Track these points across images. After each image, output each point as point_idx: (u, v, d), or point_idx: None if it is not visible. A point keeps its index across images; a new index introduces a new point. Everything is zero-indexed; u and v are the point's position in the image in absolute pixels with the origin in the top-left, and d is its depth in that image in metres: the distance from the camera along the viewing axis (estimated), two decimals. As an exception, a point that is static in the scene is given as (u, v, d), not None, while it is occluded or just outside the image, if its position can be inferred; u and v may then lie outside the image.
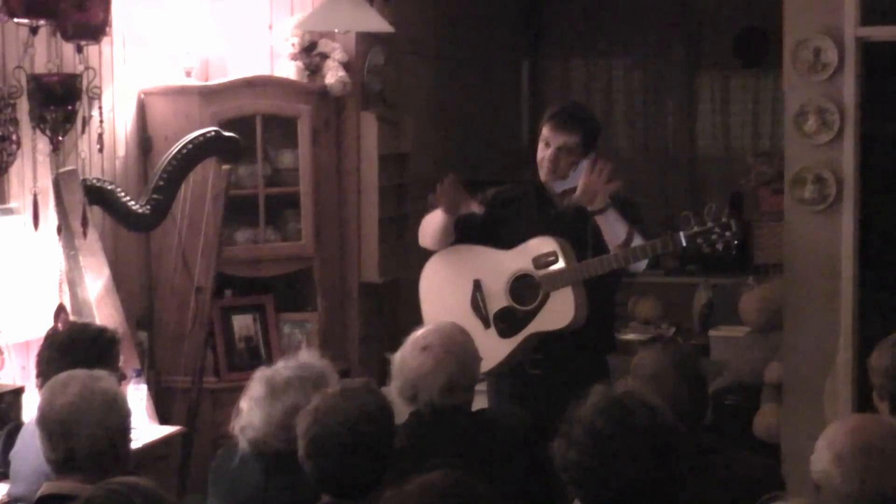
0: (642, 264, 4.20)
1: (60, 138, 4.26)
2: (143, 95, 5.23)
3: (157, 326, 5.21)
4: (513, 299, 4.24)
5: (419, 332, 3.44)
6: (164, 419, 4.77)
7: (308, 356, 3.32)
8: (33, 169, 4.45)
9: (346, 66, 5.57)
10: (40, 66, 4.33)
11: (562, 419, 2.54)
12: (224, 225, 5.08)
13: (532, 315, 4.20)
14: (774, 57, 6.26)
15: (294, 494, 3.11)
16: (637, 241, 4.12)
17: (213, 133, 4.84)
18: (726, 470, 3.09)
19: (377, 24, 5.26)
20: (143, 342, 5.07)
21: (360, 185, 5.71)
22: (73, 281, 4.53)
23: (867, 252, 5.29)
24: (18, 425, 3.87)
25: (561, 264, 4.15)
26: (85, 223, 4.45)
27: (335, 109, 5.65)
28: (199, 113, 5.15)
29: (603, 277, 4.15)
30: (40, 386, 3.48)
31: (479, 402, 3.81)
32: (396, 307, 6.01)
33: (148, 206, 4.65)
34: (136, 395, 4.35)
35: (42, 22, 4.16)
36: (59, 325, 4.27)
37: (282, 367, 3.24)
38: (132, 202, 4.63)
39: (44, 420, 2.95)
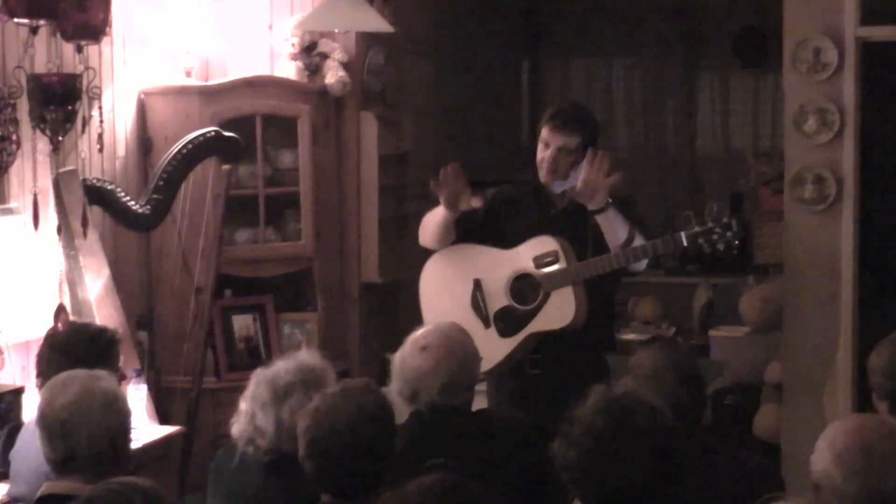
0: (643, 264, 4.20)
1: (60, 138, 4.26)
2: (143, 95, 5.23)
3: (157, 326, 5.21)
4: (513, 299, 4.24)
5: (419, 332, 3.45)
6: (164, 419, 4.77)
7: (306, 356, 3.32)
8: (33, 169, 4.45)
9: (346, 66, 5.57)
10: (40, 66, 4.33)
11: (562, 419, 2.54)
12: (224, 225, 5.08)
13: (532, 315, 4.20)
14: (774, 57, 6.27)
15: (294, 495, 3.11)
16: (638, 241, 4.12)
17: (213, 133, 4.84)
18: (726, 470, 3.09)
19: (377, 24, 5.26)
20: (143, 342, 5.06)
21: (360, 185, 5.71)
22: (73, 281, 4.53)
23: (867, 252, 5.29)
24: (18, 425, 3.87)
25: (561, 264, 4.15)
26: (85, 223, 4.45)
27: (335, 109, 5.65)
28: (199, 113, 5.15)
29: (603, 277, 4.15)
30: (40, 386, 3.48)
31: (479, 402, 3.81)
32: (396, 307, 6.01)
33: (148, 206, 4.65)
34: (136, 395, 4.35)
35: (42, 22, 4.16)
36: (59, 325, 4.27)
37: (283, 371, 3.24)
38: (132, 202, 4.64)
39: (44, 420, 2.95)
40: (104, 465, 2.87)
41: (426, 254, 4.45)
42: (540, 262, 4.19)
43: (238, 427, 3.27)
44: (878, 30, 5.16)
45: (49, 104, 4.20)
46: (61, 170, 4.49)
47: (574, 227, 4.20)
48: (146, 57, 5.22)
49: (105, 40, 4.51)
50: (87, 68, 4.38)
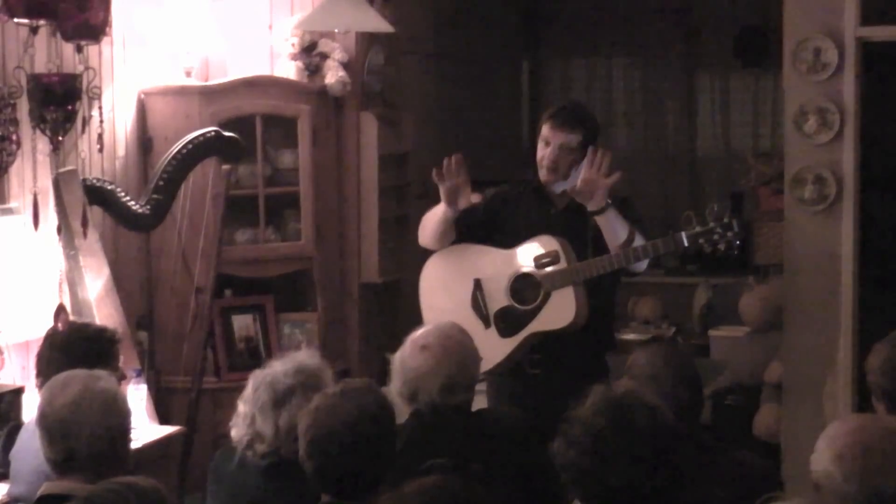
0: (643, 264, 4.20)
1: (60, 138, 4.27)
2: (143, 95, 5.23)
3: (157, 326, 5.21)
4: (513, 299, 4.24)
5: (419, 332, 3.45)
6: (164, 419, 4.76)
7: (304, 357, 3.32)
8: (33, 169, 4.45)
9: (346, 66, 5.57)
10: (40, 66, 4.33)
11: (562, 419, 2.54)
12: (224, 225, 5.08)
13: (533, 315, 4.20)
14: (774, 57, 6.27)
15: (293, 495, 3.11)
16: (638, 241, 4.12)
17: (213, 133, 4.84)
18: (724, 470, 3.09)
19: (377, 24, 5.26)
20: (143, 342, 5.06)
21: (360, 185, 5.71)
22: (73, 281, 4.53)
23: (867, 252, 5.29)
24: (18, 425, 3.87)
25: (562, 264, 4.15)
26: (85, 223, 4.45)
27: (335, 109, 5.65)
28: (199, 113, 5.15)
29: (603, 277, 4.15)
30: (40, 386, 3.48)
31: (479, 402, 3.81)
32: (396, 307, 6.01)
33: (148, 206, 4.65)
34: (136, 395, 4.35)
35: (42, 22, 4.16)
36: (59, 325, 4.26)
37: (282, 374, 3.24)
38: (132, 202, 4.64)
39: (44, 420, 2.95)
40: (104, 465, 2.87)
41: (426, 254, 4.45)
42: (540, 261, 4.19)
43: (237, 431, 3.27)
44: (878, 30, 5.16)
45: (49, 104, 4.21)
46: (61, 170, 4.49)
47: (574, 226, 4.20)
48: (146, 57, 5.22)
49: (105, 40, 4.51)
50: (87, 68, 4.38)
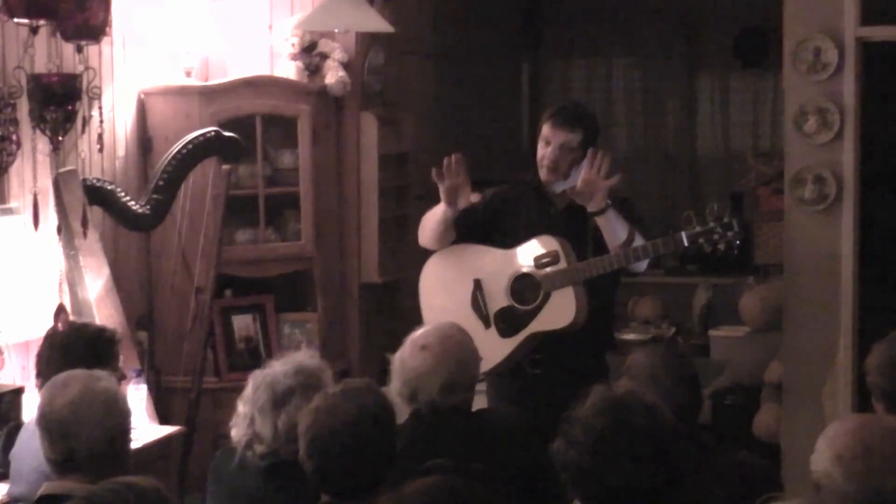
0: (643, 264, 4.20)
1: (60, 138, 4.27)
2: (143, 95, 5.23)
3: (157, 326, 5.21)
4: (513, 299, 4.24)
5: (418, 332, 3.45)
6: (164, 419, 4.76)
7: (304, 357, 3.32)
8: (33, 169, 4.45)
9: (346, 66, 5.57)
10: (40, 66, 4.33)
11: (562, 419, 2.54)
12: (224, 225, 5.08)
13: (533, 315, 4.20)
14: (774, 57, 6.28)
15: (293, 496, 3.11)
16: (638, 242, 4.12)
17: (213, 133, 4.84)
18: (723, 470, 3.09)
19: (377, 24, 5.26)
20: (143, 342, 5.06)
21: (360, 185, 5.71)
22: (73, 281, 4.53)
23: (867, 252, 5.29)
24: (18, 425, 3.87)
25: (562, 264, 4.15)
26: (85, 223, 4.45)
27: (335, 109, 5.65)
28: (199, 113, 5.15)
29: (603, 277, 4.15)
30: (40, 386, 3.48)
31: (479, 402, 3.81)
32: (396, 307, 6.01)
33: (148, 206, 4.65)
34: (136, 395, 4.35)
35: (42, 22, 4.16)
36: (59, 325, 4.27)
37: (282, 375, 3.23)
38: (132, 202, 4.64)
39: (44, 420, 2.95)
40: (104, 465, 2.87)
41: (426, 254, 4.45)
42: (540, 262, 4.19)
43: (237, 431, 3.27)
44: (878, 30, 5.16)
45: (49, 104, 4.21)
46: (61, 170, 4.49)
47: (574, 226, 4.20)
48: (146, 57, 5.22)
49: (105, 40, 4.51)
50: (87, 68, 4.38)
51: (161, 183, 4.68)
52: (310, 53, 5.56)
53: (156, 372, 5.09)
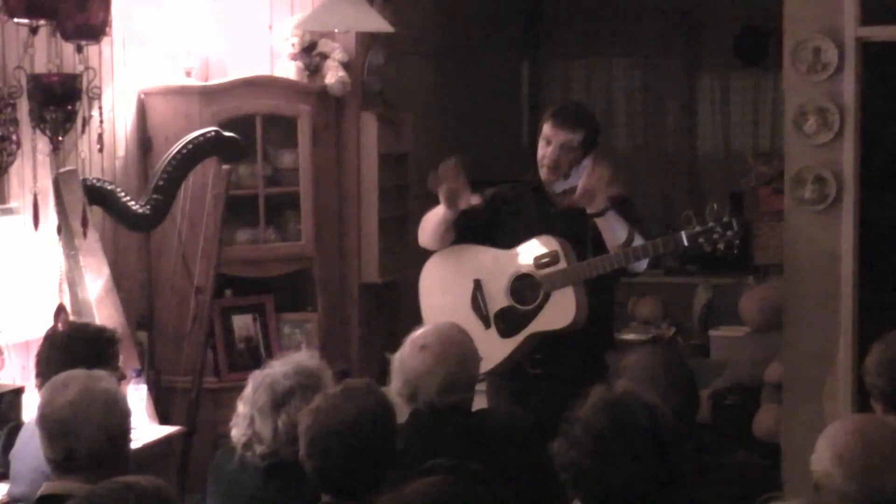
0: (643, 264, 4.20)
1: (60, 138, 4.27)
2: (143, 95, 5.23)
3: (157, 326, 5.21)
4: (513, 299, 4.24)
5: (418, 332, 3.45)
6: (164, 419, 4.76)
7: (303, 357, 3.32)
8: (33, 169, 4.45)
9: (346, 66, 5.57)
10: (40, 66, 4.33)
11: (562, 419, 2.54)
12: (224, 225, 5.08)
13: (533, 315, 4.20)
14: (774, 57, 6.28)
15: (293, 496, 3.11)
16: (638, 242, 4.12)
17: (213, 133, 4.84)
18: (722, 470, 3.09)
19: (377, 24, 5.26)
20: (143, 342, 5.06)
21: (360, 185, 5.71)
22: (73, 281, 4.53)
23: (867, 252, 5.29)
24: (18, 425, 3.87)
25: (562, 264, 4.15)
26: (85, 223, 4.45)
27: (335, 109, 5.65)
28: (199, 113, 5.15)
29: (603, 277, 4.15)
30: (40, 386, 3.48)
31: (479, 402, 3.81)
32: (396, 307, 6.01)
33: (148, 206, 4.65)
34: (136, 395, 4.35)
35: (42, 22, 4.17)
36: (59, 325, 4.27)
37: (281, 376, 3.23)
38: (132, 202, 4.64)
39: (44, 420, 2.95)
40: (104, 465, 2.87)
41: (426, 254, 4.45)
42: (541, 262, 4.19)
43: (237, 431, 3.28)
44: (878, 30, 5.16)
45: (49, 104, 4.21)
46: (61, 170, 4.49)
47: (574, 226, 4.20)
48: (146, 57, 5.22)
49: (105, 40, 4.51)
50: (87, 68, 4.38)
51: (161, 183, 4.68)
52: (310, 53, 5.56)
53: (156, 372, 5.09)
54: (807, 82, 5.17)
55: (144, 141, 5.22)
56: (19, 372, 4.28)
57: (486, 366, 3.95)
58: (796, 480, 4.45)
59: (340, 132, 5.68)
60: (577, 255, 4.17)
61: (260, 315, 5.43)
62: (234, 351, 5.35)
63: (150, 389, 4.67)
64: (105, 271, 4.65)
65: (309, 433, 2.86)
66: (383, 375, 4.03)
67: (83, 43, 4.32)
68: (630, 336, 6.40)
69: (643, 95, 9.06)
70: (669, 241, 4.09)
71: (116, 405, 2.97)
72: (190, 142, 4.77)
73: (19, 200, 4.37)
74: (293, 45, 5.52)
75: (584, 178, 4.10)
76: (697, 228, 4.06)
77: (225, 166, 4.96)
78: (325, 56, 5.56)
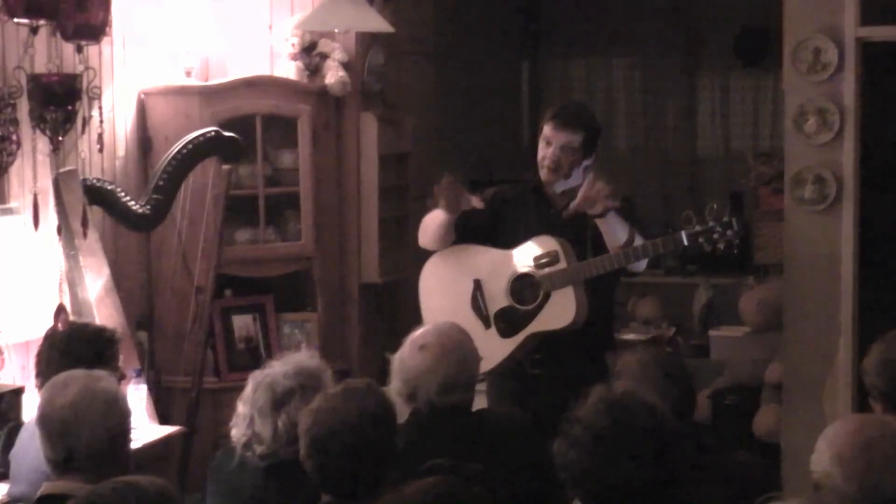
0: (643, 264, 4.20)
1: (60, 138, 4.27)
2: (143, 95, 5.23)
3: (157, 326, 5.21)
4: (513, 299, 4.24)
5: (418, 332, 3.45)
6: (164, 419, 4.77)
7: (303, 358, 3.32)
8: (33, 169, 4.45)
9: (346, 66, 5.57)
10: (40, 66, 4.33)
11: (562, 419, 2.54)
12: (224, 225, 5.08)
13: (533, 315, 4.20)
14: (774, 57, 6.27)
15: (293, 496, 3.11)
16: (638, 242, 4.12)
17: (213, 133, 4.84)
18: (723, 470, 3.09)
19: (377, 24, 5.26)
20: (143, 342, 5.07)
21: (360, 185, 5.71)
22: (73, 281, 4.53)
23: (867, 252, 5.29)
24: (18, 425, 3.87)
25: (562, 264, 4.15)
26: (85, 223, 4.45)
27: (335, 109, 5.65)
28: (199, 113, 5.15)
29: (603, 277, 4.15)
30: (40, 386, 3.48)
31: (479, 402, 3.81)
32: (396, 307, 6.01)
33: (148, 206, 4.65)
34: (136, 395, 4.35)
35: (42, 22, 4.17)
36: (59, 325, 4.27)
37: (281, 376, 3.23)
38: (132, 202, 4.64)
39: (44, 420, 2.95)
40: (104, 465, 2.87)
41: (426, 254, 4.45)
42: (540, 262, 4.19)
43: (237, 431, 3.28)
44: (878, 30, 5.16)
45: (49, 104, 4.21)
46: (61, 170, 4.49)
47: (574, 227, 4.20)
48: (146, 57, 5.22)
49: (105, 40, 4.52)
50: (87, 68, 4.38)
51: (161, 183, 4.69)
52: (310, 53, 5.56)
53: (156, 372, 5.09)
54: (807, 82, 5.17)
55: (144, 141, 5.22)
56: (19, 372, 4.28)
57: (486, 366, 3.95)
58: (796, 480, 4.45)
59: (340, 132, 5.68)
60: (577, 255, 4.17)
61: (260, 315, 5.43)
62: (234, 351, 5.35)
63: (150, 389, 4.67)
64: (105, 271, 4.65)
65: (309, 433, 2.86)
66: (383, 375, 4.02)
67: (83, 43, 4.32)
68: (630, 336, 6.39)
69: (643, 95, 9.06)
70: (669, 241, 4.09)
71: (116, 405, 2.97)
72: (190, 142, 4.77)
73: (19, 200, 4.37)
74: (293, 45, 5.52)
75: (583, 189, 4.10)
76: (697, 228, 4.06)
77: (225, 166, 4.96)
78: (325, 56, 5.56)
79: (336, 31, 5.52)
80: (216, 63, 5.53)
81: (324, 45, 5.57)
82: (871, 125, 5.28)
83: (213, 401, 5.09)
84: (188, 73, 5.31)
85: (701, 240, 4.06)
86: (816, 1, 5.17)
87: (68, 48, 4.37)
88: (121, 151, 5.10)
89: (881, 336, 3.39)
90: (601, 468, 2.45)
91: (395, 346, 3.47)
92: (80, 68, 4.36)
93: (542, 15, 9.09)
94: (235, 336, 5.37)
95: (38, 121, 4.23)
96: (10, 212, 4.32)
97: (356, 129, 5.69)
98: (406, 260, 5.78)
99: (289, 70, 5.52)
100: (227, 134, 4.87)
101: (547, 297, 4.17)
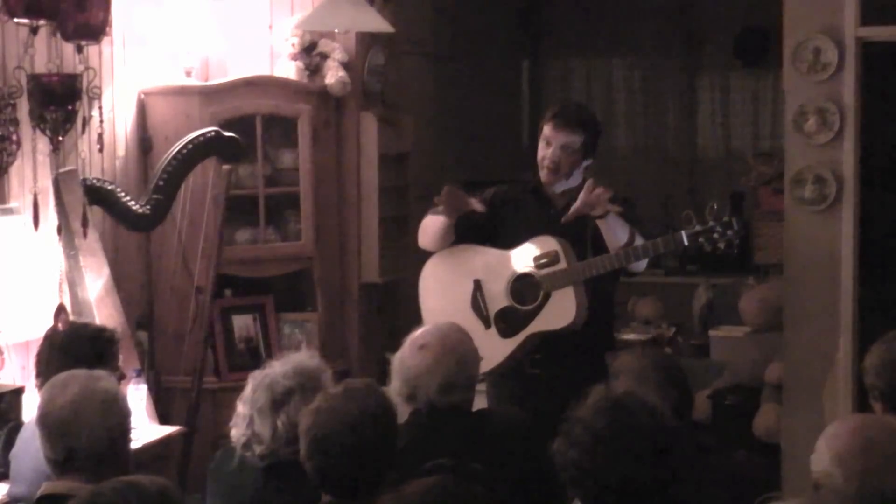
0: (643, 264, 4.20)
1: (60, 138, 4.27)
2: (143, 95, 5.23)
3: (157, 326, 5.21)
4: (513, 299, 4.24)
5: (418, 332, 3.45)
6: (164, 419, 4.77)
7: (303, 358, 3.31)
8: (33, 169, 4.45)
9: (346, 66, 5.57)
10: (40, 66, 4.33)
11: (562, 419, 2.54)
12: (224, 225, 5.08)
13: (533, 315, 4.20)
14: (774, 57, 6.27)
15: (293, 496, 3.11)
16: (638, 242, 4.12)
17: (213, 133, 4.84)
18: (723, 470, 3.10)
19: (377, 24, 5.26)
20: (143, 342, 5.07)
21: (360, 185, 5.71)
22: (73, 281, 4.53)
23: (867, 252, 5.29)
24: (18, 425, 3.87)
25: (562, 264, 4.15)
26: (85, 223, 4.45)
27: (335, 109, 5.65)
28: (199, 113, 5.15)
29: (603, 277, 4.15)
30: (40, 386, 3.48)
31: (479, 402, 3.81)
32: (396, 307, 6.01)
33: (148, 206, 4.65)
34: (136, 395, 4.35)
35: (42, 22, 4.17)
36: (59, 325, 4.27)
37: (281, 376, 3.23)
38: (132, 202, 4.64)
39: (44, 420, 2.95)
40: (104, 465, 2.87)
41: (426, 254, 4.45)
42: (540, 262, 4.19)
43: (236, 431, 3.28)
44: (878, 30, 5.16)
45: (49, 104, 4.21)
46: (61, 170, 4.49)
47: (574, 227, 4.20)
48: (146, 57, 5.22)
49: (105, 40, 4.51)
50: (87, 68, 4.38)
51: (161, 183, 4.69)
52: (310, 53, 5.56)
53: (156, 372, 5.09)
54: (807, 82, 5.17)
55: (144, 141, 5.22)
56: (19, 372, 4.28)
57: (486, 366, 3.95)
58: (796, 480, 4.46)
59: (340, 132, 5.68)
60: (577, 255, 4.17)
61: (260, 315, 5.43)
62: (234, 351, 5.35)
63: (150, 389, 4.67)
64: (105, 271, 4.65)
65: (310, 433, 2.86)
66: (383, 375, 4.03)
67: (83, 43, 4.32)
68: (630, 336, 6.39)
69: (643, 95, 9.07)
70: (669, 241, 4.09)
71: (116, 405, 2.97)
72: (190, 142, 4.77)
73: (19, 200, 4.37)
74: (293, 45, 5.52)
75: (583, 194, 4.10)
76: (697, 228, 4.06)
77: (225, 166, 4.96)
78: (325, 56, 5.56)
79: (336, 31, 5.52)
80: (216, 63, 5.53)
81: (324, 45, 5.57)
82: (871, 125, 5.28)
83: (213, 401, 5.09)
84: (188, 73, 5.31)
85: (701, 240, 4.06)
86: (816, 1, 5.17)
87: (68, 48, 4.37)
88: (121, 151, 5.10)
89: (881, 336, 3.39)
90: (601, 468, 2.45)
91: (395, 346, 3.47)
92: (80, 68, 4.36)
93: (542, 15, 9.09)
94: (235, 336, 5.37)
95: (38, 121, 4.23)
96: (10, 212, 4.32)
97: (356, 129, 5.68)
98: (406, 260, 5.78)
99: (289, 70, 5.52)
100: (227, 134, 4.87)
101: (547, 297, 4.17)
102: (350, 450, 2.82)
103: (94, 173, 4.71)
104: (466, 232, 4.33)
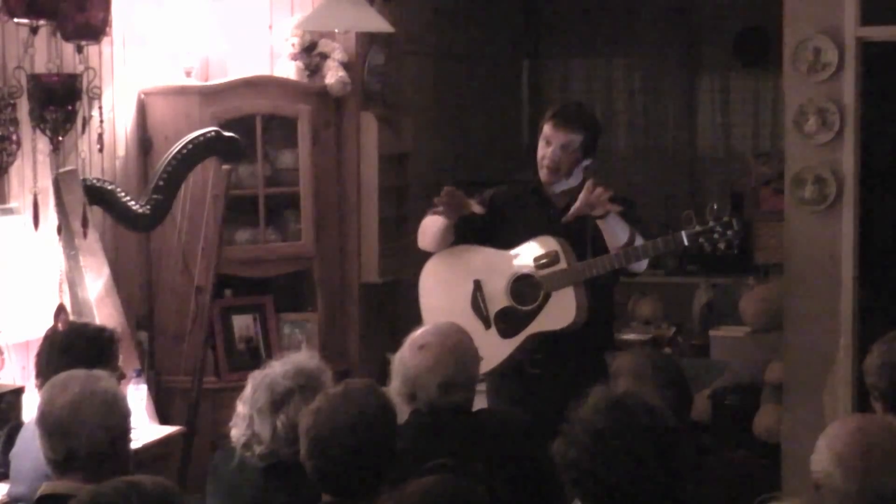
0: (643, 264, 4.20)
1: (60, 138, 4.27)
2: (143, 95, 5.23)
3: (157, 326, 5.21)
4: (513, 299, 4.24)
5: (418, 332, 3.45)
6: (164, 419, 4.77)
7: (303, 358, 3.31)
8: (33, 169, 4.45)
9: (346, 66, 5.57)
10: (40, 66, 4.33)
11: (562, 419, 2.54)
12: (224, 225, 5.08)
13: (533, 315, 4.20)
14: (774, 57, 6.27)
15: (293, 496, 3.11)
16: (638, 242, 4.12)
17: (213, 133, 4.84)
18: (723, 470, 3.10)
19: (377, 24, 5.26)
20: (143, 342, 5.07)
21: (360, 185, 5.71)
22: (73, 281, 4.53)
23: (867, 252, 5.29)
24: (18, 425, 3.87)
25: (562, 264, 4.15)
26: (85, 223, 4.45)
27: (335, 109, 5.65)
28: (199, 113, 5.15)
29: (603, 277, 4.15)
30: (40, 386, 3.48)
31: (479, 402, 3.81)
32: (396, 307, 6.01)
33: (148, 206, 4.65)
34: (136, 395, 4.35)
35: (42, 22, 4.17)
36: (59, 325, 4.27)
37: (281, 377, 3.24)
38: (132, 202, 4.64)
39: (44, 420, 2.95)
40: (104, 465, 2.87)
41: (426, 254, 4.45)
42: (541, 262, 4.19)
43: (236, 431, 3.28)
44: (878, 30, 5.16)
45: (49, 104, 4.21)
46: (61, 170, 4.49)
47: (574, 227, 4.20)
48: (146, 57, 5.22)
49: (105, 40, 4.51)
50: (87, 68, 4.38)
51: (161, 183, 4.69)
52: (310, 53, 5.56)
53: (156, 372, 5.09)
54: (807, 82, 5.17)
55: (144, 141, 5.22)
56: (19, 372, 4.28)
57: (486, 366, 3.96)
58: (796, 480, 4.46)
59: (340, 132, 5.68)
60: (577, 255, 4.17)
61: (260, 315, 5.42)
62: (234, 351, 5.35)
63: (150, 389, 4.67)
64: (105, 271, 4.65)
65: (310, 433, 2.86)
66: (383, 375, 4.03)
67: (83, 43, 4.32)
68: (630, 336, 6.39)
69: (643, 95, 9.06)
70: (670, 241, 4.09)
71: (116, 405, 2.97)
72: (190, 142, 4.77)
73: (19, 200, 4.37)
74: (293, 45, 5.52)
75: (583, 194, 4.09)
76: (697, 228, 4.06)
77: (225, 166, 4.96)
78: (325, 56, 5.56)
79: (336, 31, 5.52)
80: (216, 63, 5.53)
81: (324, 45, 5.57)
82: (871, 125, 5.29)
83: (213, 401, 5.08)
84: (188, 73, 5.31)
85: (701, 240, 4.06)
86: (816, 1, 5.17)
87: (68, 48, 4.37)
88: (121, 151, 5.10)
89: (881, 336, 3.39)
90: (601, 468, 2.45)
91: (395, 346, 3.47)
92: (80, 68, 4.36)
93: (542, 15, 9.09)
94: (235, 336, 5.37)
95: (38, 121, 4.23)
96: (10, 212, 4.32)
97: (356, 129, 5.68)
98: (406, 260, 5.78)
99: (289, 70, 5.52)
100: (227, 134, 4.87)
101: (547, 297, 4.17)
102: (350, 450, 2.82)
103: (94, 173, 4.71)
104: (466, 232, 4.33)
